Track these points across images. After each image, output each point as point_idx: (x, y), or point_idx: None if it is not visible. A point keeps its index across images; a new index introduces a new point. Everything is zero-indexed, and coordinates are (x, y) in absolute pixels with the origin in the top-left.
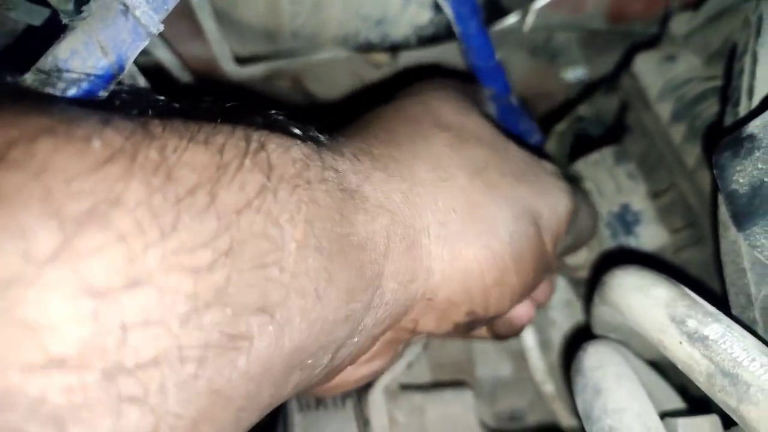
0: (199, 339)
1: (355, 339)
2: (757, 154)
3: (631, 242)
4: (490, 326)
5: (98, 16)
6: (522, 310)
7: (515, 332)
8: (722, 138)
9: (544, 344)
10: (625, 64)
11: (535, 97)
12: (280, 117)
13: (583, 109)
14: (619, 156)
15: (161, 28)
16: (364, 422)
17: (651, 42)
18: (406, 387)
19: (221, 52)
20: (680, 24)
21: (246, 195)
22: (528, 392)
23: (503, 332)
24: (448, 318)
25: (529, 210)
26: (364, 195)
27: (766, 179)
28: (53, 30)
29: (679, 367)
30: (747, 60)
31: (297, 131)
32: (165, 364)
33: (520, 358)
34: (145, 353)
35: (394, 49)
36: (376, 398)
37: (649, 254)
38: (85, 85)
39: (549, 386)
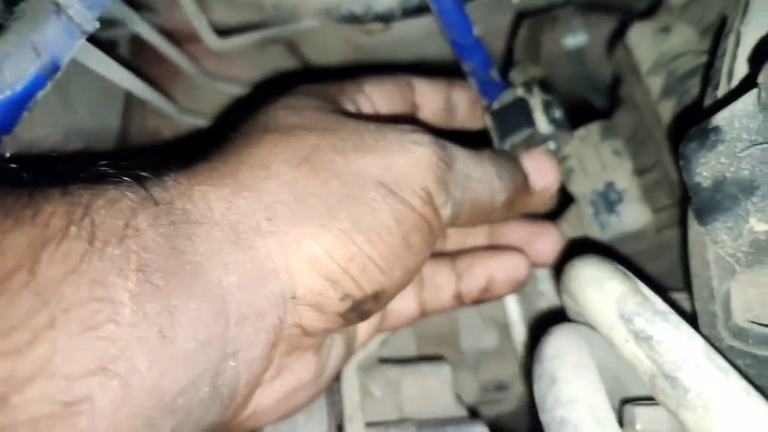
0: (23, 416)
1: (232, 363)
2: (721, 147)
3: (613, 221)
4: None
5: (30, 16)
6: (522, 271)
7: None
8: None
9: (532, 316)
10: (619, 33)
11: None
12: (109, 169)
13: (558, 12)
14: (605, 132)
15: (97, 25)
16: (333, 402)
17: (651, 9)
18: (384, 361)
19: (201, 27)
20: None
21: (69, 264)
22: (512, 363)
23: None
24: (327, 310)
25: (376, 175)
26: (190, 217)
27: (728, 174)
28: None
29: (628, 364)
30: (731, 40)
31: (127, 179)
32: None
33: (505, 329)
34: None
35: (381, 20)
36: (349, 375)
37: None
38: None
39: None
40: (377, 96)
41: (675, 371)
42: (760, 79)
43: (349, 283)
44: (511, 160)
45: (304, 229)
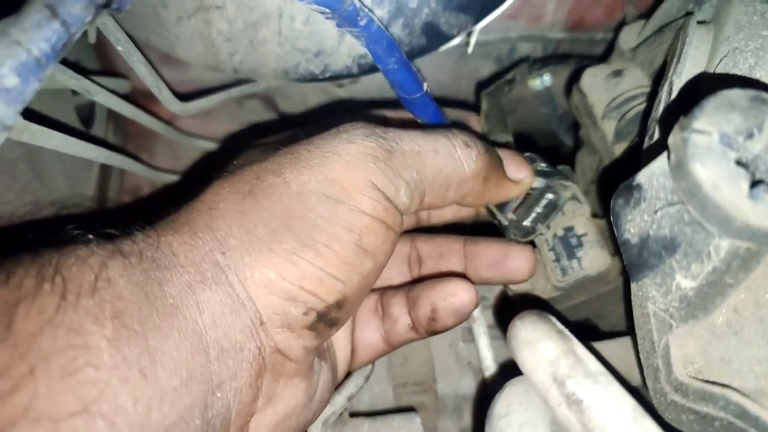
0: None
1: (219, 394)
2: (643, 205)
3: (574, 266)
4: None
5: None
6: (462, 298)
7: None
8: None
9: (508, 357)
10: (575, 77)
11: (509, 103)
12: (77, 231)
13: (513, 73)
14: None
15: (19, 120)
16: None
17: (605, 53)
18: (355, 414)
19: (161, 95)
20: (628, 37)
21: (45, 317)
22: None
23: (432, 328)
24: (295, 326)
25: (316, 189)
26: (159, 264)
27: (651, 232)
28: None
29: (563, 428)
30: (665, 89)
31: (94, 237)
32: None
33: (481, 373)
34: None
35: (340, 78)
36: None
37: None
38: None
39: None
40: None
41: None
42: (670, 140)
43: (309, 298)
44: (479, 137)
45: (255, 256)
